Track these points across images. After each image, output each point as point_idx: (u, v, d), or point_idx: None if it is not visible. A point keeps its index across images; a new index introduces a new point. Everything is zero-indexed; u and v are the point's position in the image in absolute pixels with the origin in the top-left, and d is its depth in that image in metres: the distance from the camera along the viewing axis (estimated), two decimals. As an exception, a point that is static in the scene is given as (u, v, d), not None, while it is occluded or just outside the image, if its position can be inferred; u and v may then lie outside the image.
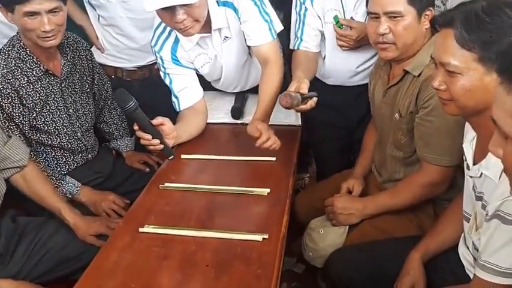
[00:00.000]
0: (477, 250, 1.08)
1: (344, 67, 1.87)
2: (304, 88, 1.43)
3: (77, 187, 1.67)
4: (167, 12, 1.47)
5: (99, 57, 2.01)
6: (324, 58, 1.87)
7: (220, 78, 1.86)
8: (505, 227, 0.95)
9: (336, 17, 1.75)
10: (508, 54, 0.69)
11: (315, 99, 1.47)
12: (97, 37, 2.05)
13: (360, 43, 1.76)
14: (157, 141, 1.49)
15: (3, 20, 1.60)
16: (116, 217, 1.62)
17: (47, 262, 1.44)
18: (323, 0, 1.75)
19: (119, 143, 1.95)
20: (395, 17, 1.38)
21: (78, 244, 1.47)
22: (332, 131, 2.01)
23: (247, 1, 1.63)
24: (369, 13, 1.46)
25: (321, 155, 2.19)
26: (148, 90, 1.96)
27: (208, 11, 1.58)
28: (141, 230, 1.25)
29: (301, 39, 1.79)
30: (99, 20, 2.03)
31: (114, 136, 1.95)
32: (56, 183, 1.63)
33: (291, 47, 1.77)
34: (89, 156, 1.81)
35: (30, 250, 1.44)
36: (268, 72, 1.67)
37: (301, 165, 2.34)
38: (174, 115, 1.64)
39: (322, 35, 1.82)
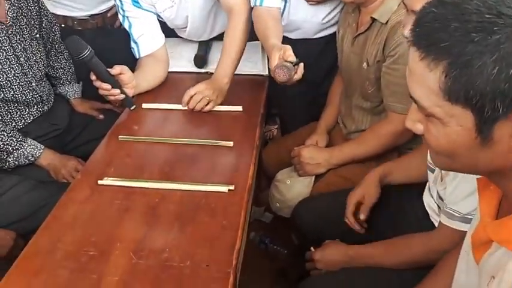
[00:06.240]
0: (442, 199, 1.09)
1: (310, 19, 1.78)
2: (292, 55, 1.29)
3: (39, 149, 1.57)
4: None
5: (47, 6, 1.86)
6: (285, 12, 1.75)
7: (185, 27, 1.77)
8: (471, 176, 0.95)
9: None
10: (424, 26, 0.60)
11: (301, 64, 1.33)
12: None
13: None
14: (118, 90, 1.44)
15: None
16: None
17: (6, 215, 1.38)
18: None
19: (66, 89, 1.84)
20: None
21: (36, 197, 1.41)
22: (297, 87, 1.95)
23: None
24: None
25: (286, 110, 2.12)
26: (102, 40, 1.85)
27: None
28: (100, 182, 1.20)
29: None
30: None
31: (62, 81, 1.83)
32: (17, 145, 1.53)
33: (252, 4, 1.57)
34: (45, 107, 1.70)
35: None
36: (232, 25, 1.56)
37: (269, 117, 2.30)
38: (130, 65, 1.54)
39: None
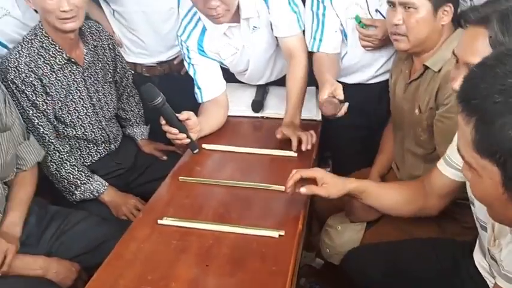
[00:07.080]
0: (495, 260, 1.05)
1: (366, 64, 1.82)
2: (341, 94, 1.41)
3: (104, 186, 1.69)
4: None
5: None
6: (344, 56, 1.81)
7: (246, 70, 1.86)
8: None
9: (357, 17, 1.68)
10: (466, 82, 0.66)
11: (346, 104, 1.44)
12: (113, 32, 2.03)
13: (385, 42, 1.71)
14: (184, 135, 1.52)
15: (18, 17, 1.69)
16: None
17: (72, 248, 1.47)
18: None
19: (135, 130, 1.96)
20: (409, 7, 1.37)
21: (100, 232, 1.50)
22: (353, 132, 1.94)
23: None
24: (387, 2, 1.45)
25: (339, 153, 2.13)
26: (168, 86, 1.96)
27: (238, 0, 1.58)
28: (160, 222, 1.26)
29: (321, 41, 1.70)
30: (114, 15, 2.01)
31: (131, 123, 1.96)
32: (84, 180, 1.66)
33: (309, 49, 1.72)
34: (112, 147, 1.83)
35: (58, 234, 1.48)
36: (293, 70, 1.68)
37: (322, 159, 2.32)
38: (191, 109, 1.63)
39: (342, 32, 1.75)
